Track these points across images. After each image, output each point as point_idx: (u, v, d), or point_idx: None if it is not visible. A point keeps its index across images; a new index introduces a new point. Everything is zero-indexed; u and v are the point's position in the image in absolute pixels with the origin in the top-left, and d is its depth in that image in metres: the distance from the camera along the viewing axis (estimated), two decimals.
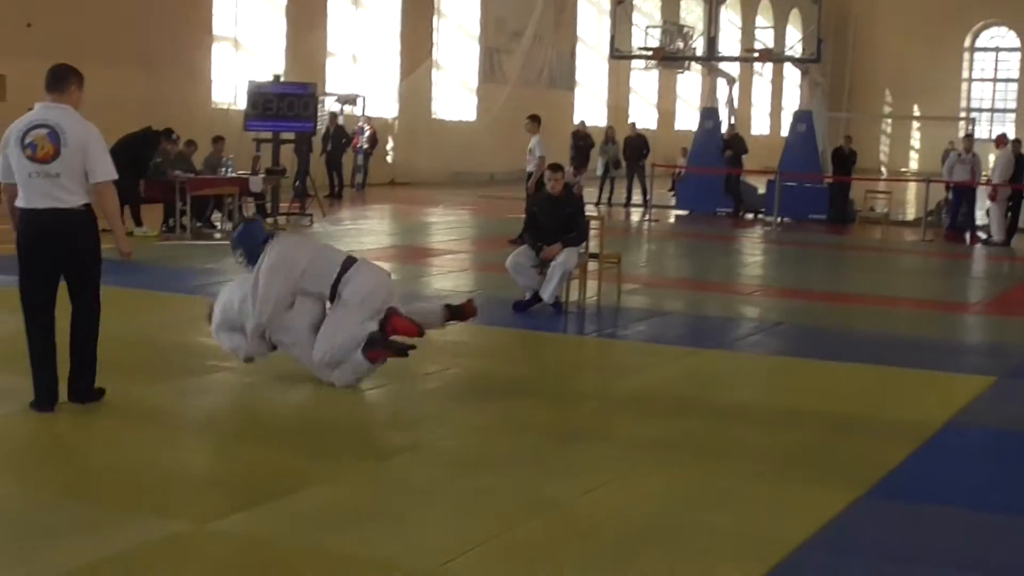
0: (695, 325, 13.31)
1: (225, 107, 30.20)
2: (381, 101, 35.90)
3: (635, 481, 7.08)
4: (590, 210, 19.44)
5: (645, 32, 35.18)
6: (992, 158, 27.58)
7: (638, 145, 31.71)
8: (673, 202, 31.45)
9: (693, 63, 35.38)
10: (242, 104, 24.19)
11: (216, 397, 8.96)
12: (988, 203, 24.66)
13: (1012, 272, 21.13)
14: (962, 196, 25.26)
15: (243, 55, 32.19)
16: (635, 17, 37.89)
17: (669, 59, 33.74)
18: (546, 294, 12.92)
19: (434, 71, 39.21)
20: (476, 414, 8.61)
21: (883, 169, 58.65)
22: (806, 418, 8.85)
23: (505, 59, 41.42)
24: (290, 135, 23.56)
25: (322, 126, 28.19)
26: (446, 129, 38.71)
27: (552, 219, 13.09)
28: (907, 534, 6.41)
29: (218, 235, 20.22)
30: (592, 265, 13.93)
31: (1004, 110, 62.62)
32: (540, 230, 13.13)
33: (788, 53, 34.78)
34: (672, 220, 28.43)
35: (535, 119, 20.87)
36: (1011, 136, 27.28)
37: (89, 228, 8.02)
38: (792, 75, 58.51)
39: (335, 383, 8.82)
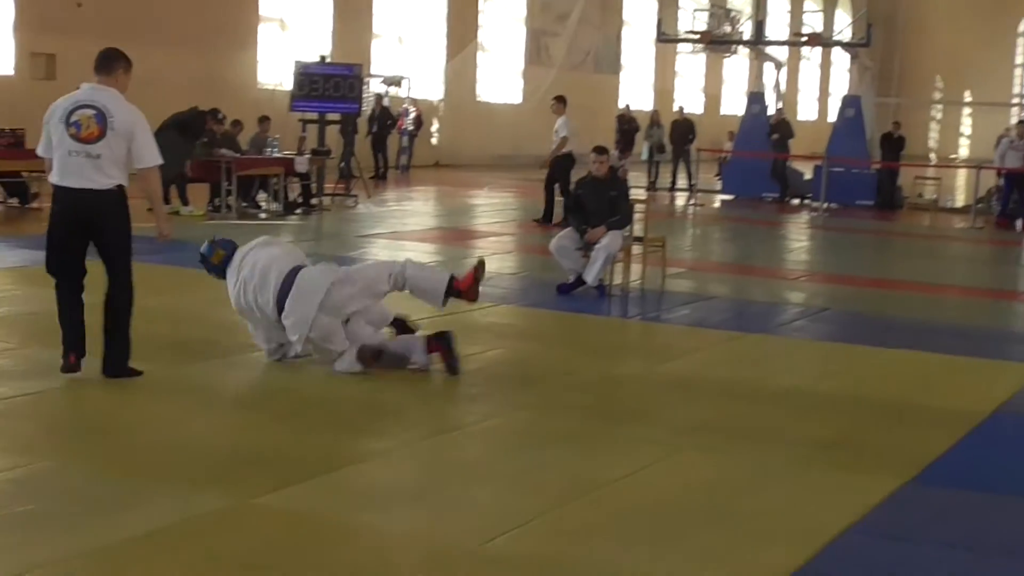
0: (740, 309, 13.24)
1: (271, 88, 30.28)
2: (426, 83, 35.92)
3: (678, 464, 7.06)
4: (638, 194, 19.42)
5: (692, 15, 35.05)
6: None
7: (684, 129, 31.60)
8: (719, 186, 31.33)
9: (740, 47, 35.25)
10: (288, 85, 24.23)
11: (263, 375, 8.96)
12: None
13: None
14: (1014, 183, 25.04)
15: (290, 36, 32.25)
16: (682, 0, 37.78)
17: (716, 43, 33.64)
18: (590, 277, 12.90)
19: (480, 53, 39.19)
20: (520, 395, 8.60)
21: (932, 155, 58.21)
22: (851, 404, 8.80)
23: (551, 42, 41.33)
24: (336, 116, 23.59)
25: (367, 107, 28.23)
26: (491, 112, 38.68)
27: (597, 202, 13.05)
28: (952, 522, 6.37)
29: (263, 215, 20.30)
30: (636, 248, 13.89)
31: None
32: (585, 213, 13.10)
33: (837, 37, 34.59)
34: (717, 204, 28.33)
35: (561, 100, 21.01)
36: None
37: (121, 208, 8.10)
38: (841, 59, 58.33)
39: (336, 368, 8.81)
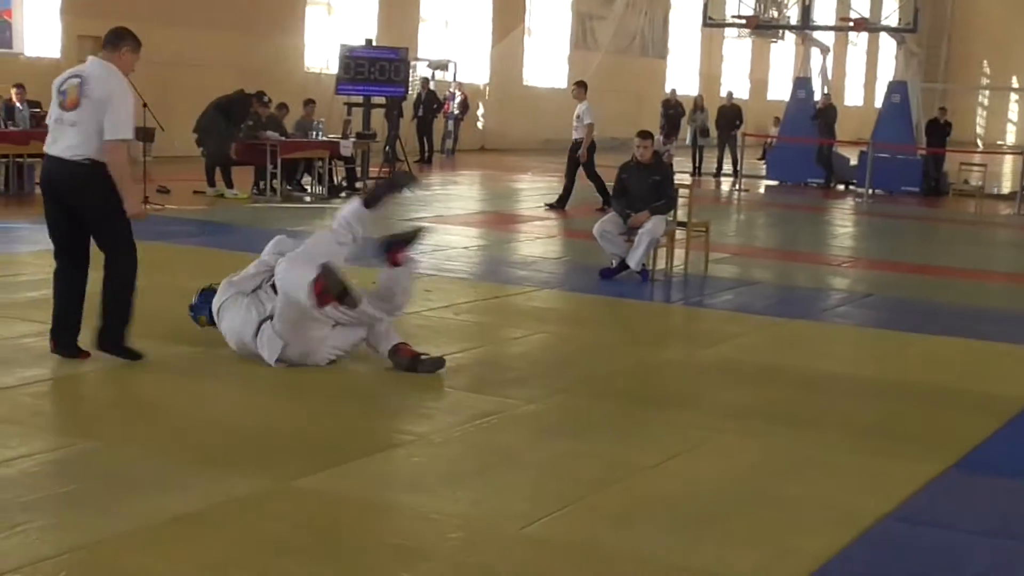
0: (783, 295, 13.21)
1: (317, 71, 30.36)
2: (472, 67, 35.92)
3: (718, 449, 7.06)
4: (683, 178, 19.38)
5: (739, 0, 34.88)
6: None
7: (732, 115, 31.48)
8: (763, 172, 31.22)
9: (787, 32, 35.07)
10: (334, 68, 24.28)
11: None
12: None
13: None
14: None
15: (336, 19, 32.31)
16: None
17: (763, 27, 33.51)
18: (633, 261, 12.89)
19: (526, 37, 39.15)
20: (561, 379, 8.61)
21: (979, 141, 57.81)
22: (893, 389, 8.77)
23: (597, 26, 41.25)
24: (381, 100, 23.63)
25: (413, 91, 28.26)
26: (537, 96, 38.64)
27: (641, 186, 13.05)
28: (993, 508, 6.35)
29: (308, 198, 20.38)
30: (680, 233, 13.87)
31: None
32: (628, 197, 13.09)
33: (884, 22, 34.30)
34: (762, 190, 28.23)
35: (582, 85, 21.02)
36: None
37: (94, 183, 7.93)
38: (887, 45, 57.85)
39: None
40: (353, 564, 5.17)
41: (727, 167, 30.95)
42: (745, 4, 33.93)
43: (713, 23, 34.17)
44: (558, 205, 20.27)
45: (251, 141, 19.72)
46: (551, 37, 40.48)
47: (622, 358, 9.41)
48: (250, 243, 14.26)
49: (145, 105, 17.20)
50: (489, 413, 7.57)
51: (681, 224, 13.91)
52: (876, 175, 26.16)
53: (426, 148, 31.13)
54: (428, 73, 32.46)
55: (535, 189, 24.50)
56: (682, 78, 45.08)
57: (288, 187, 20.54)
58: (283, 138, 20.25)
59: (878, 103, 38.62)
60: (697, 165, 31.42)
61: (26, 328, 8.89)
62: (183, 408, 7.45)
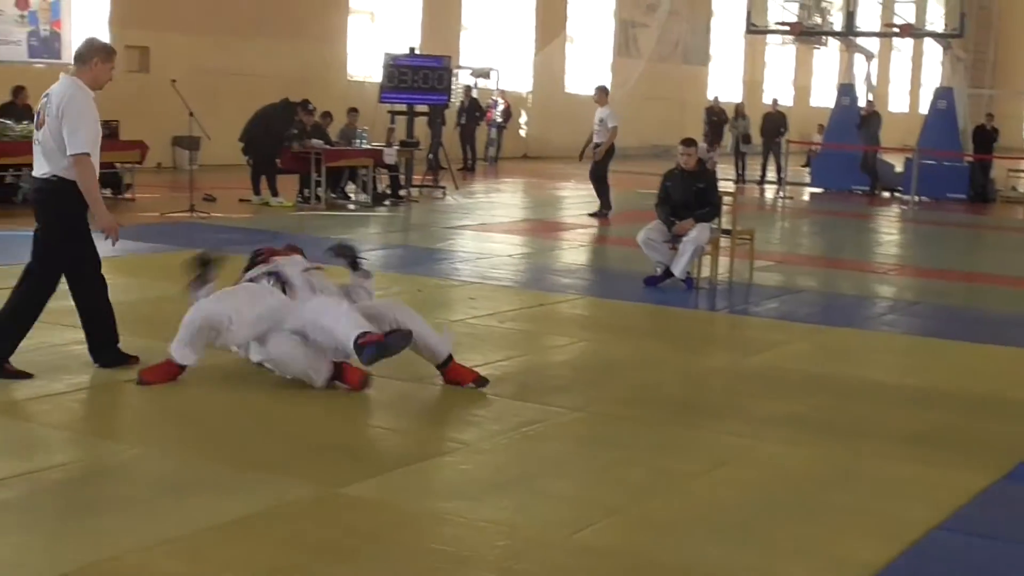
0: (828, 303, 13.16)
1: (361, 79, 30.46)
2: (515, 75, 35.94)
3: (764, 457, 7.04)
4: (726, 186, 19.34)
5: (782, 6, 34.78)
6: None
7: (777, 122, 31.35)
8: (808, 179, 31.12)
9: (830, 38, 34.96)
10: (377, 77, 24.36)
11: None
12: None
13: None
14: None
15: (379, 28, 32.41)
16: None
17: (806, 34, 33.41)
18: (677, 269, 12.87)
19: (568, 45, 39.16)
20: (606, 387, 8.61)
21: None
22: (941, 399, 8.73)
23: (640, 33, 41.23)
24: (424, 108, 23.68)
25: (456, 99, 28.31)
26: (579, 103, 38.54)
27: (685, 194, 13.03)
28: None
29: (352, 206, 20.45)
30: (724, 241, 13.84)
31: None
32: (672, 205, 13.07)
33: (929, 28, 34.13)
34: (806, 197, 28.13)
35: (603, 90, 21.01)
36: None
37: (52, 200, 7.95)
38: (933, 50, 57.49)
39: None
40: (401, 571, 5.19)
41: (771, 174, 30.86)
42: (788, 11, 33.84)
43: (756, 30, 34.09)
44: (600, 214, 20.26)
45: (296, 149, 19.81)
46: (593, 45, 40.48)
47: (667, 366, 9.40)
48: None
49: (191, 114, 17.31)
50: (534, 421, 7.58)
51: (725, 232, 13.87)
52: (922, 182, 25.98)
53: (469, 156, 31.18)
54: (471, 81, 32.52)
55: (578, 197, 24.49)
56: (725, 85, 45.01)
57: (332, 195, 20.62)
58: (327, 146, 20.33)
59: (923, 109, 38.49)
60: (740, 172, 31.34)
61: (75, 335, 8.94)
62: (229, 415, 7.48)
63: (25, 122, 17.88)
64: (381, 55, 23.91)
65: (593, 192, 20.65)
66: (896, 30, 34.74)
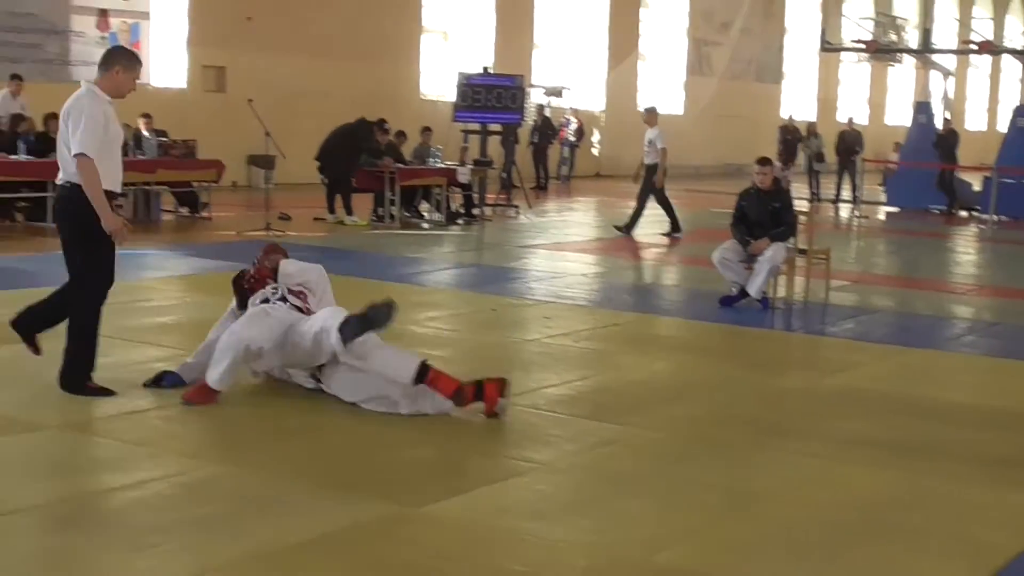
0: (905, 323, 13.05)
1: (434, 99, 30.61)
2: (588, 93, 35.99)
3: (842, 478, 6.99)
4: (801, 205, 19.26)
5: (857, 24, 34.64)
6: None
7: (852, 140, 31.14)
8: (882, 198, 30.89)
9: (906, 55, 34.75)
10: (451, 96, 24.47)
11: None
12: None
13: None
14: None
15: (452, 47, 32.57)
16: (846, 9, 37.39)
17: (881, 52, 33.21)
18: (753, 289, 12.82)
19: (641, 64, 39.16)
20: (681, 407, 8.60)
21: None
22: (1022, 421, 8.63)
23: (713, 51, 41.17)
24: (497, 127, 23.76)
25: (529, 118, 28.39)
26: None
27: (760, 213, 12.98)
28: None
29: (425, 225, 20.53)
30: (800, 260, 13.76)
31: None
32: (748, 224, 13.03)
33: (1008, 44, 33.87)
34: (882, 216, 27.93)
35: (652, 111, 20.90)
36: None
37: (68, 205, 7.94)
38: (1011, 68, 57.03)
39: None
40: None
41: (845, 193, 30.68)
42: (863, 28, 33.69)
43: (831, 48, 34.01)
44: (626, 230, 20.16)
45: (370, 168, 19.93)
46: (666, 63, 40.47)
47: (743, 386, 9.36)
48: (370, 269, 14.47)
49: (267, 133, 17.47)
50: (611, 441, 7.58)
51: (801, 251, 13.80)
52: (1001, 201, 25.70)
53: (542, 175, 31.24)
54: (544, 100, 32.59)
55: (651, 215, 24.42)
56: (798, 103, 44.81)
57: (406, 214, 20.73)
58: (402, 165, 20.44)
59: (1002, 127, 38.10)
60: (814, 191, 31.18)
61: (156, 352, 9.06)
62: (310, 432, 7.52)
63: None
64: (454, 74, 24.03)
65: (662, 212, 20.54)
66: (974, 47, 34.51)
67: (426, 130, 22.17)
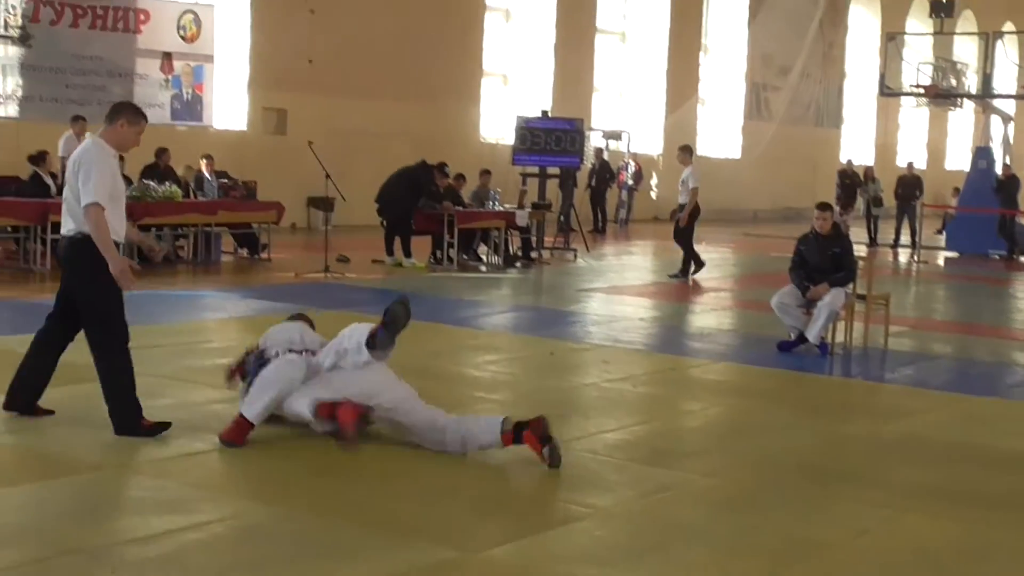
0: (966, 370, 12.95)
1: (493, 141, 30.73)
2: (646, 137, 36.03)
3: (904, 528, 6.93)
4: (859, 249, 19.18)
5: (916, 69, 34.49)
6: None
7: (912, 184, 30.97)
8: (942, 243, 30.70)
9: (966, 100, 34.58)
10: (510, 138, 24.57)
11: None
12: None
13: None
14: None
15: (512, 90, 32.71)
16: (906, 53, 37.20)
17: (941, 96, 33.04)
18: (811, 334, 12.76)
19: (699, 107, 39.18)
20: (740, 453, 8.56)
21: None
22: None
23: (772, 96, 41.15)
24: (555, 170, 23.82)
25: (587, 161, 28.45)
26: (710, 166, 38.43)
27: (820, 258, 12.93)
28: None
29: (483, 268, 20.57)
30: (859, 306, 13.69)
31: None
32: (807, 269, 12.98)
33: None
34: (941, 262, 27.75)
35: (687, 150, 20.90)
36: None
37: (78, 256, 7.99)
38: None
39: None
40: None
41: (904, 238, 30.52)
42: (923, 73, 33.56)
43: (890, 92, 33.85)
44: (681, 275, 20.08)
45: (429, 211, 20.02)
46: (725, 107, 40.47)
47: (802, 432, 9.31)
48: (428, 312, 14.48)
49: (328, 176, 17.59)
50: (669, 486, 7.55)
51: (860, 296, 13.72)
52: None
53: (599, 218, 31.26)
54: (602, 143, 32.65)
55: (708, 259, 24.40)
56: (857, 147, 44.68)
57: (464, 256, 20.79)
58: (460, 208, 20.51)
59: None
60: (872, 236, 31.03)
61: (216, 394, 9.11)
62: (366, 474, 7.50)
63: (168, 183, 18.33)
64: (514, 117, 24.13)
65: (685, 255, 20.43)
66: None
67: (485, 173, 22.25)
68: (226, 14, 25.27)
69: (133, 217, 17.08)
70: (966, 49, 42.08)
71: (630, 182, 33.97)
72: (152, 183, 18.10)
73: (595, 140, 31.79)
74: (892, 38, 34.47)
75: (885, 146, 47.54)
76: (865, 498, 7.47)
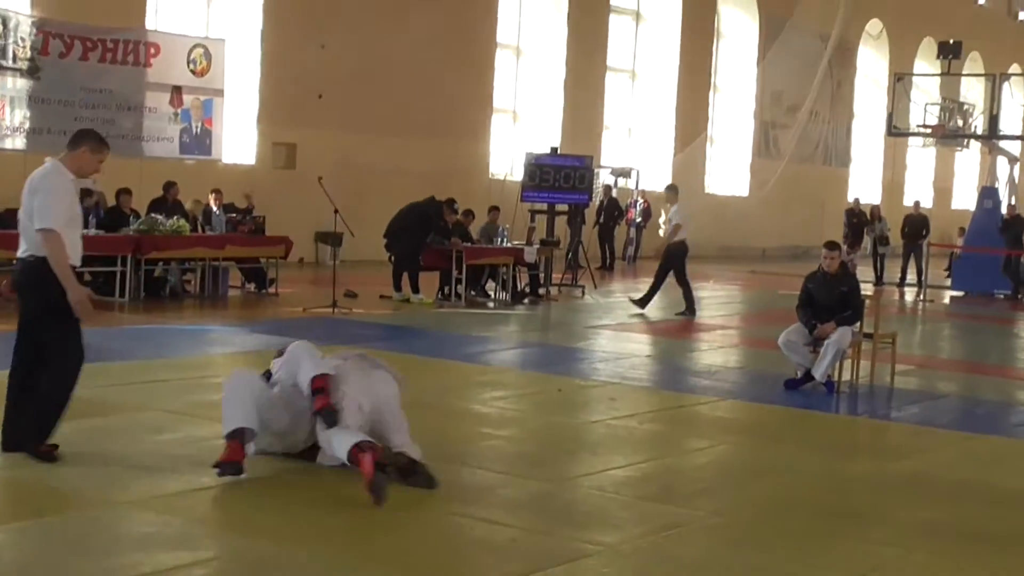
0: (971, 409, 12.97)
1: (502, 178, 30.82)
2: (655, 174, 36.12)
3: (911, 567, 6.95)
4: (865, 288, 19.20)
5: (924, 109, 34.59)
6: None
7: (919, 224, 31.02)
8: (948, 282, 30.71)
9: (972, 141, 34.68)
10: (518, 175, 24.63)
11: (493, 464, 9.02)
12: None
13: None
14: None
15: (521, 127, 32.83)
16: (914, 94, 37.34)
17: (948, 137, 33.12)
18: (818, 372, 12.78)
19: (708, 145, 39.28)
20: (747, 491, 8.57)
21: None
22: None
23: (780, 134, 41.26)
24: (564, 206, 23.88)
25: (596, 198, 28.51)
26: (719, 203, 38.69)
27: (827, 297, 12.96)
28: None
29: (491, 304, 20.60)
30: (865, 344, 13.71)
31: None
32: (814, 307, 13.00)
33: None
34: (947, 301, 27.75)
35: (672, 189, 21.14)
36: None
37: (33, 279, 7.99)
38: None
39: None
40: None
41: (911, 277, 30.55)
42: (930, 113, 33.65)
43: (898, 132, 33.95)
44: (688, 312, 20.06)
45: (438, 246, 20.05)
46: (733, 145, 40.57)
47: (808, 471, 9.32)
48: (435, 348, 14.54)
49: (336, 211, 17.64)
50: (677, 524, 7.56)
51: (867, 335, 13.74)
52: None
53: (608, 255, 31.30)
54: (611, 180, 32.73)
55: (715, 297, 24.46)
56: (865, 186, 44.77)
57: (472, 292, 20.81)
58: (469, 244, 20.55)
59: None
60: (879, 274, 31.06)
61: (219, 429, 9.12)
62: (367, 511, 7.48)
63: (176, 216, 18.37)
64: (523, 154, 24.20)
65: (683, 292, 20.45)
66: None
67: (494, 209, 22.29)
68: (236, 48, 25.37)
69: (141, 251, 17.34)
70: (973, 90, 42.22)
71: (638, 219, 34.03)
72: (160, 217, 18.13)
73: (604, 177, 31.86)
74: (900, 78, 34.61)
75: (892, 185, 47.62)
76: (872, 537, 7.48)
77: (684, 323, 19.50)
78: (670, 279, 20.25)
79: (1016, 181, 32.90)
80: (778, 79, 40.70)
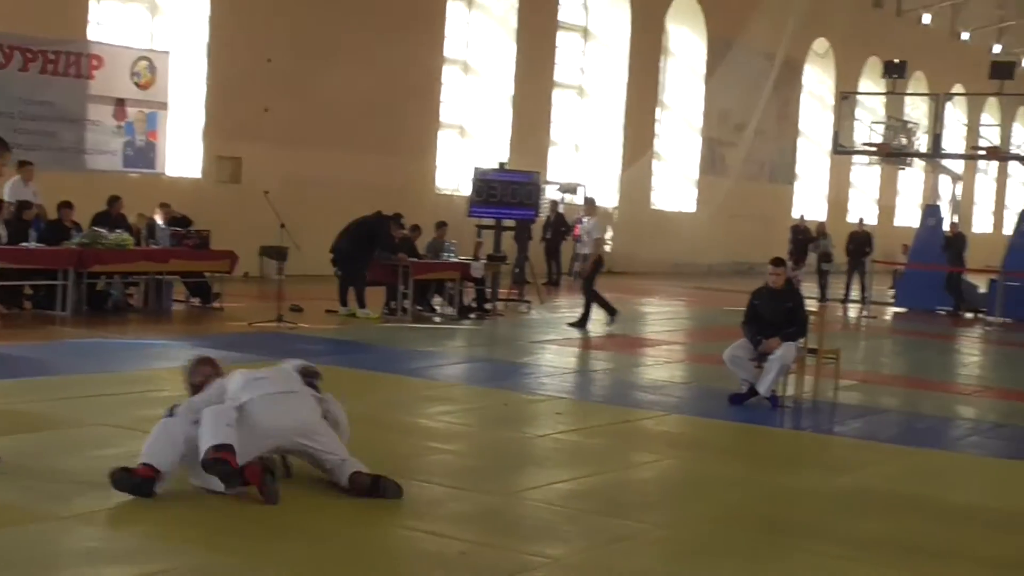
0: (913, 424, 13.07)
1: (449, 193, 30.82)
2: (602, 190, 36.22)
3: None
4: (810, 304, 19.33)
5: (869, 127, 34.91)
6: None
7: (862, 241, 31.30)
8: (891, 299, 30.96)
9: (916, 159, 35.02)
10: (465, 190, 24.64)
11: (441, 478, 8.99)
12: None
13: None
14: None
15: (468, 142, 32.85)
16: (858, 112, 37.68)
17: (892, 155, 33.44)
18: (762, 387, 12.85)
19: (655, 162, 39.45)
20: (693, 504, 8.61)
21: None
22: None
23: (727, 152, 41.50)
24: (511, 222, 23.90)
25: (543, 214, 28.56)
26: (665, 220, 38.87)
27: (772, 313, 13.04)
28: None
29: (437, 319, 20.58)
30: (809, 360, 13.80)
31: None
32: (760, 323, 13.08)
33: (1015, 151, 34.12)
34: (889, 317, 27.97)
35: (590, 201, 21.57)
36: None
37: None
38: (1017, 173, 57.50)
39: None
40: None
41: (854, 293, 30.79)
42: (875, 132, 33.96)
43: (843, 150, 34.26)
44: (580, 326, 20.15)
45: (384, 261, 20.01)
46: (681, 162, 40.75)
47: (753, 485, 9.37)
48: (381, 363, 14.51)
49: (283, 226, 17.59)
50: (623, 537, 7.58)
51: (811, 351, 13.84)
52: (1007, 303, 25.89)
53: (554, 270, 31.36)
54: (558, 196, 32.80)
55: (662, 313, 24.56)
56: (810, 203, 45.09)
57: (419, 307, 20.79)
58: (415, 259, 20.53)
59: (1007, 230, 38.25)
60: (823, 291, 31.26)
61: None
62: (320, 529, 7.49)
63: (119, 230, 18.25)
64: (470, 169, 24.21)
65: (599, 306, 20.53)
66: (982, 152, 34.74)
67: (441, 224, 22.27)
68: (182, 61, 25.28)
69: (84, 264, 17.21)
70: (917, 109, 42.66)
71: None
72: (103, 231, 17.98)
73: (551, 193, 31.93)
74: (845, 97, 34.98)
75: (837, 202, 47.97)
76: (818, 549, 7.53)
77: (630, 338, 19.53)
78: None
79: (958, 199, 33.25)
80: (725, 97, 40.94)
